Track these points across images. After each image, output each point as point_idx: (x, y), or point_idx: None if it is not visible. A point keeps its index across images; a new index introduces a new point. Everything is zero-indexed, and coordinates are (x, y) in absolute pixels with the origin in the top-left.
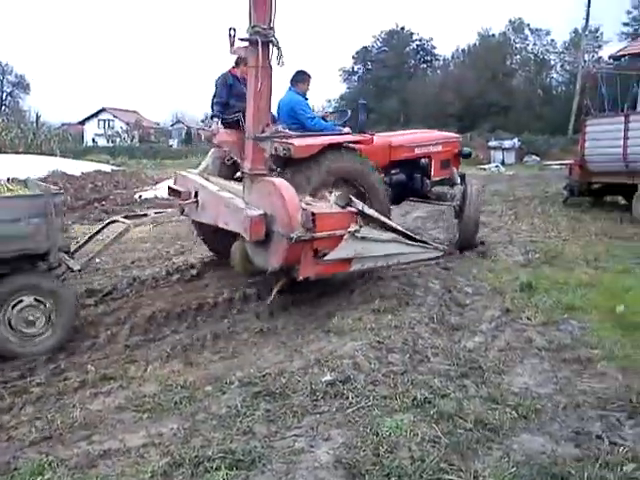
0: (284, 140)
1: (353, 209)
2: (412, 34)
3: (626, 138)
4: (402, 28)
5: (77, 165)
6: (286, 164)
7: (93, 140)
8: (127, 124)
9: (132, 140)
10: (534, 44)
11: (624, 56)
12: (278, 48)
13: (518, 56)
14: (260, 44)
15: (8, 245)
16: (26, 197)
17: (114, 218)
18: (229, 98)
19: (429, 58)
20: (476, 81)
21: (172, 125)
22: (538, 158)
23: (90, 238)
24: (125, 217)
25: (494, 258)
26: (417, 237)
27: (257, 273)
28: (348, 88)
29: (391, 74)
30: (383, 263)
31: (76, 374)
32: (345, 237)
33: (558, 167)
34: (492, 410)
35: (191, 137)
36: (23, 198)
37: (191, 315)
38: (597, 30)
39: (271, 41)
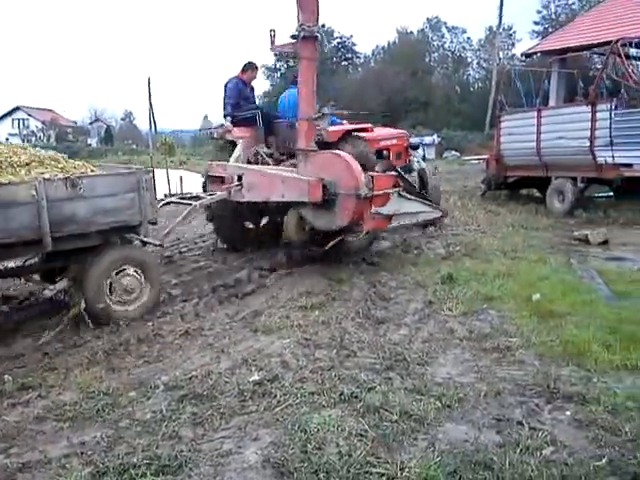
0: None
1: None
2: (333, 32)
3: (539, 133)
4: (323, 25)
5: None
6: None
7: (7, 140)
8: (43, 123)
9: (48, 140)
10: (451, 42)
11: (535, 53)
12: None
13: (436, 54)
14: (310, 39)
15: (106, 217)
16: (121, 174)
17: (168, 200)
18: (239, 100)
19: (350, 56)
20: (396, 78)
21: (90, 123)
22: (457, 153)
23: None
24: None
25: (417, 252)
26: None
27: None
28: (271, 85)
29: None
30: (410, 221)
31: None
32: (392, 195)
33: (476, 162)
34: (417, 401)
35: (112, 136)
36: (119, 175)
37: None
38: (510, 28)
39: (316, 37)
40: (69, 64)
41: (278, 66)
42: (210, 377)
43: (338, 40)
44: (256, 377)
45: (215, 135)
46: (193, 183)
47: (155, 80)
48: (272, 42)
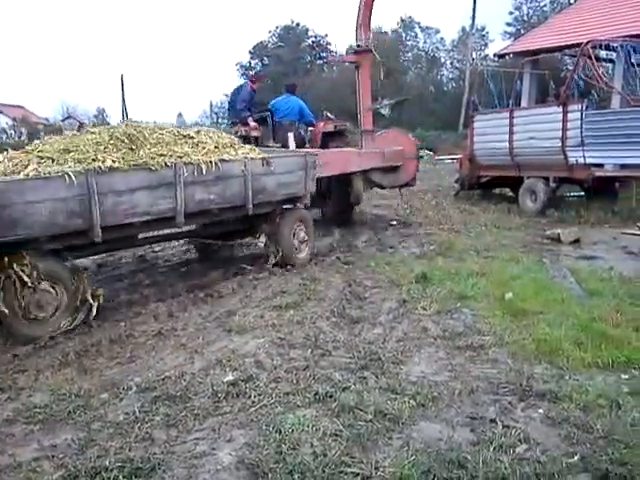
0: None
1: None
2: (307, 30)
3: (511, 133)
4: (297, 24)
5: None
6: (331, 135)
7: None
8: (13, 120)
9: (20, 137)
10: (425, 42)
11: (508, 54)
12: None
13: (410, 53)
14: (368, 51)
15: (286, 189)
16: (297, 156)
17: None
18: (251, 104)
19: (324, 54)
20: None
21: (63, 120)
22: (431, 153)
23: None
24: None
25: (391, 251)
26: None
27: None
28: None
29: (287, 69)
30: None
31: None
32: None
33: (449, 161)
34: (391, 400)
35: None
36: (295, 156)
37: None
38: (483, 29)
39: (371, 50)
40: (39, 59)
41: (253, 64)
42: (183, 378)
43: (312, 39)
44: (230, 377)
45: (238, 133)
46: None
47: (128, 77)
48: (332, 57)
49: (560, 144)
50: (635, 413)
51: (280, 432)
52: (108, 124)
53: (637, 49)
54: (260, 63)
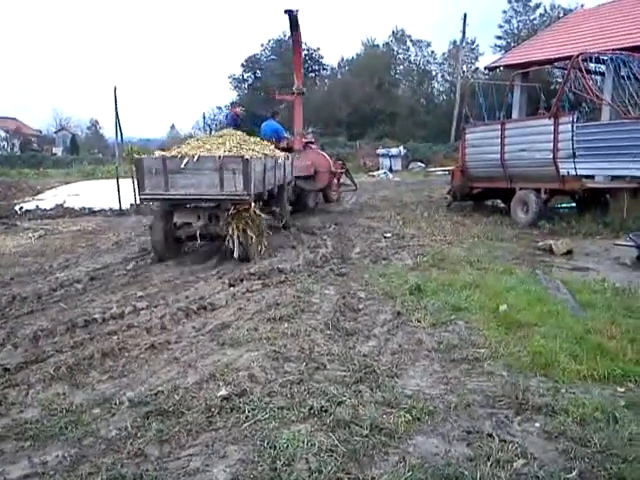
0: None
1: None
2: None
3: (503, 145)
4: (289, 37)
5: None
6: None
7: None
8: (6, 132)
9: (12, 149)
10: (416, 55)
11: (498, 67)
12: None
13: (402, 66)
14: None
15: (288, 175)
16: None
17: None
18: (237, 125)
19: (317, 67)
20: (362, 89)
21: (56, 132)
22: (423, 165)
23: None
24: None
25: (385, 262)
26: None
27: None
28: (238, 95)
29: (280, 82)
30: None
31: None
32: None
33: (441, 173)
34: (387, 414)
35: (77, 145)
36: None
37: (77, 333)
38: (473, 42)
39: (303, 92)
40: (32, 71)
41: (245, 77)
42: (177, 392)
43: (305, 52)
44: (224, 392)
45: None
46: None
47: (122, 89)
48: (275, 93)
49: (551, 156)
50: (632, 427)
51: (275, 448)
52: (102, 136)
53: (627, 62)
54: (253, 76)
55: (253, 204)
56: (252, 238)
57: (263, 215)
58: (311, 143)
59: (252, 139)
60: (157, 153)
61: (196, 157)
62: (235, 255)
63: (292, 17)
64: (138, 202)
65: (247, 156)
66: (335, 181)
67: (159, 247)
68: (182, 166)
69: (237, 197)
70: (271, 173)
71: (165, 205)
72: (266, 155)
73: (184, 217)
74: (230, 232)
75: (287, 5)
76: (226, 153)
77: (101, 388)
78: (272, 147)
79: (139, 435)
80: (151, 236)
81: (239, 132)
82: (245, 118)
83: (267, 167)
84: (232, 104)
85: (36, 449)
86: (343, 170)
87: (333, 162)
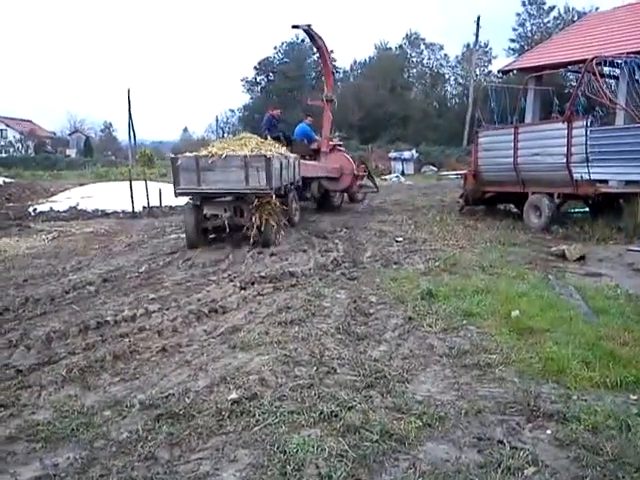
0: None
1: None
2: (312, 47)
3: (516, 149)
4: (302, 40)
5: None
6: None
7: None
8: (21, 134)
9: (27, 150)
10: (429, 58)
11: (512, 70)
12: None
13: (415, 69)
14: (330, 101)
15: (293, 178)
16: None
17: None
18: (271, 127)
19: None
20: (375, 92)
21: (70, 134)
22: (435, 168)
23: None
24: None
25: (396, 267)
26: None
27: None
28: (251, 98)
29: (293, 85)
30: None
31: None
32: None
33: (454, 177)
34: (397, 420)
35: (91, 147)
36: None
37: (89, 335)
38: (486, 45)
39: (332, 99)
40: (48, 74)
41: (258, 80)
42: (187, 395)
43: (317, 55)
44: (234, 395)
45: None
46: (173, 195)
47: (135, 91)
48: (309, 99)
49: (565, 160)
50: None
51: (285, 452)
52: (115, 138)
53: None
54: (265, 79)
55: (274, 196)
56: (273, 227)
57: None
58: (339, 146)
59: (267, 141)
60: (187, 154)
61: (224, 156)
62: (259, 241)
63: (306, 31)
64: (152, 204)
65: (268, 155)
66: (357, 183)
67: (191, 235)
68: (210, 162)
69: (260, 191)
70: (285, 172)
71: (197, 199)
72: (281, 154)
73: (213, 210)
74: (254, 221)
75: (302, 9)
76: (250, 152)
77: (112, 390)
78: (284, 149)
79: (150, 438)
80: (185, 226)
81: (255, 135)
82: (281, 119)
83: (283, 165)
84: (273, 107)
85: (47, 451)
86: (365, 173)
87: (356, 165)
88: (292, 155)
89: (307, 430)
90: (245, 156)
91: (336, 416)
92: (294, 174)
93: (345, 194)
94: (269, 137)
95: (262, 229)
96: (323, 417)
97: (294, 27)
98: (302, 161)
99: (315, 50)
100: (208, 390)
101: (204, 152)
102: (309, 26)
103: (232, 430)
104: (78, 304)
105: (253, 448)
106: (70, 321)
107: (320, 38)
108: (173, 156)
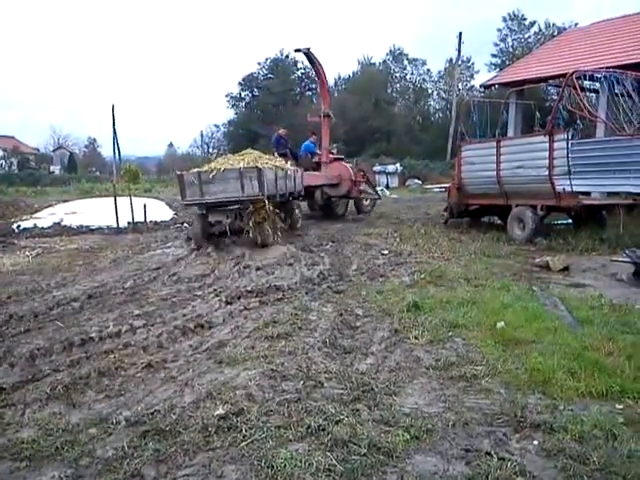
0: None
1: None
2: (296, 62)
3: (499, 162)
4: (287, 56)
5: None
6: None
7: None
8: (4, 150)
9: (10, 167)
10: (412, 73)
11: (494, 85)
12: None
13: (398, 84)
14: (328, 116)
15: (295, 188)
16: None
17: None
18: (279, 145)
19: (314, 86)
20: (359, 107)
21: (54, 150)
22: (419, 181)
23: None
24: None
25: (382, 280)
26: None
27: None
28: (236, 114)
29: (277, 101)
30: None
31: None
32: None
33: (438, 190)
34: (385, 433)
35: (75, 163)
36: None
37: (73, 352)
38: (469, 60)
39: (329, 115)
40: (31, 90)
41: (243, 95)
42: (173, 411)
43: (302, 71)
44: (221, 411)
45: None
46: (158, 210)
47: (120, 107)
48: (308, 116)
49: (547, 173)
50: (631, 444)
51: (272, 467)
52: (99, 154)
53: (620, 80)
54: (250, 94)
55: (267, 202)
56: (268, 230)
57: (277, 211)
58: (341, 159)
59: (267, 156)
60: (192, 170)
61: (222, 169)
62: (257, 242)
63: (306, 54)
64: (137, 220)
65: (260, 166)
66: (356, 188)
67: (198, 239)
68: (211, 177)
69: (254, 197)
70: (282, 181)
71: (203, 208)
72: (277, 167)
73: (216, 216)
74: (250, 225)
75: (286, 25)
76: (244, 165)
77: (97, 407)
78: (284, 162)
79: (136, 455)
80: (193, 231)
81: (256, 151)
82: (288, 138)
83: (278, 176)
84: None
85: (32, 469)
86: (364, 179)
87: (354, 173)
88: (292, 167)
89: (294, 445)
90: (240, 169)
91: (323, 430)
92: (294, 184)
93: (350, 204)
94: (276, 154)
95: (259, 232)
96: (310, 431)
97: (296, 51)
98: (306, 172)
99: (314, 72)
100: (194, 406)
101: (206, 168)
102: (309, 49)
103: (219, 446)
104: (62, 321)
105: (240, 464)
106: (54, 338)
107: (318, 61)
108: (179, 173)
